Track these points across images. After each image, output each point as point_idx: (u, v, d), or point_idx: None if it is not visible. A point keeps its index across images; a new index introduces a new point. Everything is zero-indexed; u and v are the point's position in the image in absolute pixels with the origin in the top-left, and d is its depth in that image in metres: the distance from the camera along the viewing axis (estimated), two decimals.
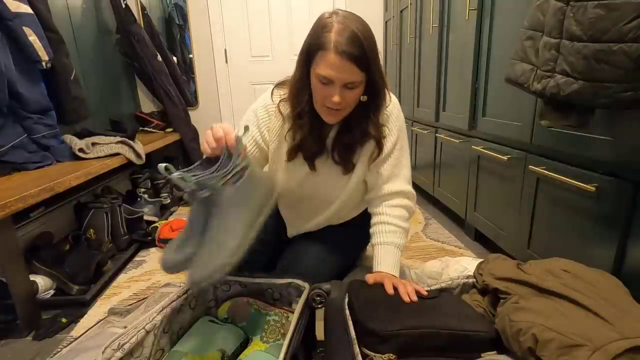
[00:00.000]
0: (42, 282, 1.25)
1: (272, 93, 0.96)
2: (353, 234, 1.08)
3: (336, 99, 0.79)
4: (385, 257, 0.90)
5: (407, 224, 0.96)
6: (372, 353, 0.67)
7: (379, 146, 0.92)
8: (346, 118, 0.89)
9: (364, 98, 0.85)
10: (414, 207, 0.99)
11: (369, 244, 0.99)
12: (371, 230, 0.96)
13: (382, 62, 3.23)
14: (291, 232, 1.14)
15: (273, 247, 1.13)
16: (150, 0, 2.72)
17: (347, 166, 0.95)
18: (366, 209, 1.04)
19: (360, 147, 0.94)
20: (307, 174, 0.98)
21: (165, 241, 1.66)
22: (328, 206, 1.03)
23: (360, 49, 0.76)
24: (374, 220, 0.97)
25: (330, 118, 0.87)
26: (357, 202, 1.05)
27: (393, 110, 0.94)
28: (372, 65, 0.80)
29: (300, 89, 0.87)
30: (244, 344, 0.83)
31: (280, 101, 0.93)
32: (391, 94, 0.95)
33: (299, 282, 0.88)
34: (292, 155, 0.95)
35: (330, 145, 0.94)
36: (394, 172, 0.96)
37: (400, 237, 0.93)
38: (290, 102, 0.90)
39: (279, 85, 0.96)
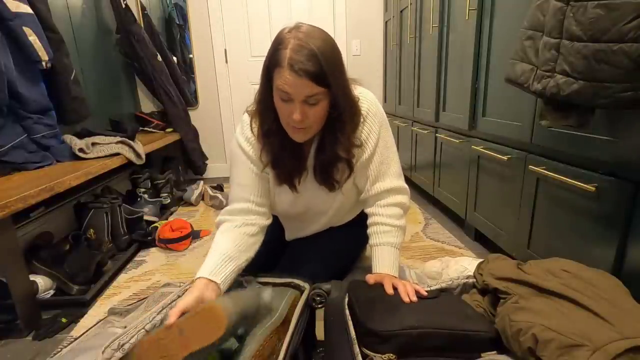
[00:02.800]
0: (42, 282, 1.25)
1: (249, 123, 0.91)
2: (353, 234, 1.08)
3: (296, 116, 0.76)
4: (383, 258, 0.89)
5: (402, 221, 0.94)
6: (371, 353, 0.67)
7: (350, 167, 0.90)
8: (322, 136, 0.87)
9: (334, 113, 0.82)
10: (408, 202, 0.98)
11: (367, 244, 0.99)
12: (367, 232, 0.96)
13: (381, 62, 3.20)
14: (289, 237, 1.14)
15: (274, 248, 1.13)
16: (150, 0, 2.72)
17: (330, 186, 0.93)
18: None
19: (342, 163, 0.91)
20: (294, 195, 0.96)
21: (165, 241, 1.66)
22: (321, 217, 1.04)
23: (317, 65, 0.73)
24: (369, 221, 0.96)
25: (297, 136, 0.83)
26: (352, 205, 1.05)
27: (370, 108, 0.90)
28: (333, 80, 0.76)
29: (266, 108, 0.84)
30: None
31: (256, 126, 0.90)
32: (366, 91, 0.92)
33: (299, 281, 0.88)
34: (279, 180, 0.93)
35: (312, 165, 0.92)
36: (381, 170, 0.93)
37: (396, 236, 0.92)
38: (258, 120, 0.88)
39: (250, 112, 0.92)
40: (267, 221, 0.97)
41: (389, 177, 0.95)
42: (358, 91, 0.90)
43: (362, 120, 0.90)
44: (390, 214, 0.93)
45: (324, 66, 0.74)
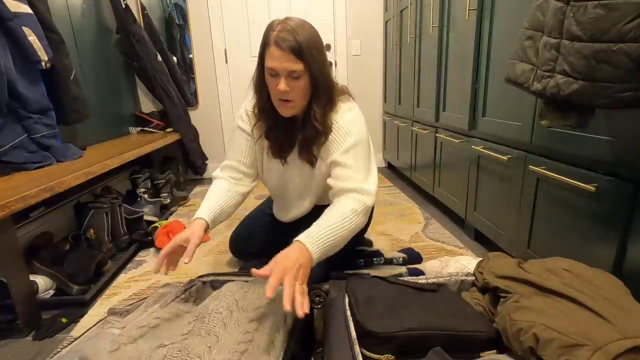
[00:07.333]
0: (42, 282, 1.24)
1: (252, 98, 1.08)
2: None
3: (282, 86, 0.91)
4: (311, 229, 0.85)
5: (358, 217, 0.92)
6: (369, 354, 0.67)
7: (326, 137, 1.00)
8: (306, 111, 1.00)
9: (313, 89, 0.95)
10: (371, 203, 0.96)
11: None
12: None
13: (381, 62, 3.19)
14: (280, 215, 1.27)
15: (266, 240, 1.26)
16: (150, 0, 2.72)
17: (310, 159, 1.05)
18: None
19: (320, 144, 1.02)
20: (280, 168, 1.12)
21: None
22: (304, 195, 1.15)
23: (296, 42, 0.88)
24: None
25: (283, 110, 0.98)
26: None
27: (357, 119, 1.01)
28: (310, 57, 0.90)
29: (260, 86, 1.00)
30: None
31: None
32: (355, 105, 1.03)
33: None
34: (272, 153, 1.09)
35: (300, 140, 1.05)
36: (348, 174, 0.96)
37: (338, 220, 0.88)
38: (255, 98, 1.04)
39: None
40: (252, 183, 1.16)
41: (355, 181, 0.96)
42: (348, 106, 1.01)
43: (344, 123, 1.00)
44: (349, 205, 0.92)
45: (302, 44, 0.89)
